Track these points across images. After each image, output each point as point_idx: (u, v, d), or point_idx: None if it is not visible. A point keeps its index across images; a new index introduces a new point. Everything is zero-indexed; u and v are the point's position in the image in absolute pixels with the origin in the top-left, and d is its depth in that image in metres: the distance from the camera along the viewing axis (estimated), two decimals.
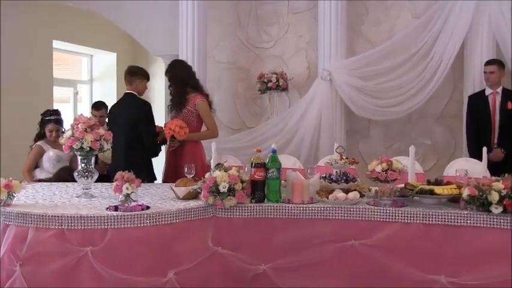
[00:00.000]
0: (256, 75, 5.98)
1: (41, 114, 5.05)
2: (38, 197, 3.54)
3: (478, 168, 4.07)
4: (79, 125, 3.46)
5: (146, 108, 4.39)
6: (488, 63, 5.19)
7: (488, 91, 5.19)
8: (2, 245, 3.09)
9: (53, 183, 4.26)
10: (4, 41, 6.37)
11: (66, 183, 4.16)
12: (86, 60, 8.59)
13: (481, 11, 5.36)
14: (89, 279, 2.95)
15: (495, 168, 4.13)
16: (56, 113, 5.10)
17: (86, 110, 8.08)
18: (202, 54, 5.88)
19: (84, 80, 8.57)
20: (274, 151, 3.37)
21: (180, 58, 5.71)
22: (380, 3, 5.94)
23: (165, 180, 4.47)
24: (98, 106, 5.41)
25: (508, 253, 2.98)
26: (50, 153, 4.88)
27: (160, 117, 5.02)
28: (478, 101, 5.23)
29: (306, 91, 5.84)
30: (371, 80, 5.67)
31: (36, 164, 4.92)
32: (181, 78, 4.65)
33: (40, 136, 5.01)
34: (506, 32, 5.27)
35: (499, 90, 5.16)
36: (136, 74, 4.56)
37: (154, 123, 4.49)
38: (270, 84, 5.77)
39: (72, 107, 8.14)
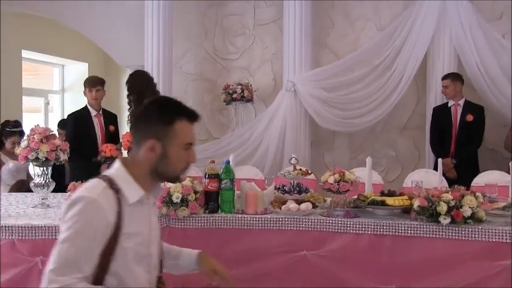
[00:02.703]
0: (223, 87, 6.01)
1: (1, 125, 4.99)
2: None
3: (437, 179, 4.13)
4: (35, 136, 3.45)
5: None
6: (443, 77, 5.31)
7: (450, 103, 5.29)
8: None
9: (13, 193, 4.23)
10: None
11: (26, 193, 4.14)
12: (58, 70, 8.56)
13: (443, 25, 5.46)
14: None
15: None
16: (19, 124, 5.08)
17: (56, 120, 8.07)
18: (168, 65, 5.90)
19: (56, 89, 8.53)
20: (228, 162, 3.39)
21: (145, 69, 5.73)
22: (346, 16, 6.03)
23: None
24: (63, 125, 5.40)
25: (456, 263, 3.05)
26: (10, 165, 4.85)
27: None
28: (441, 113, 5.33)
29: (272, 102, 5.88)
30: (335, 91, 5.74)
31: None
32: (140, 89, 4.65)
33: None
34: (467, 46, 5.39)
35: (461, 102, 5.26)
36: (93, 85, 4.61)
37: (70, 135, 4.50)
38: (234, 95, 5.81)
39: (44, 116, 8.08)
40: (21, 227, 2.96)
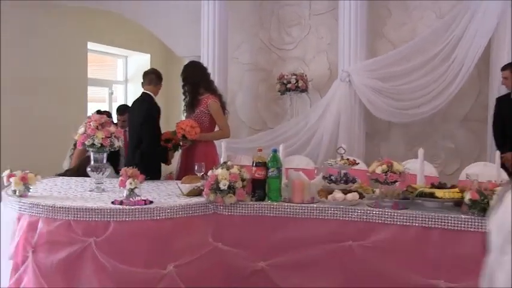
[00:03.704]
0: (277, 77, 6.03)
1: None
2: (55, 190, 3.72)
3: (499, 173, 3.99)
4: (91, 123, 3.61)
5: (154, 112, 4.42)
6: (502, 68, 5.09)
7: None
8: (17, 232, 3.29)
9: (73, 177, 4.42)
10: (41, 44, 6.64)
11: (85, 177, 4.32)
12: (121, 61, 8.84)
13: (508, 11, 5.23)
14: (92, 268, 3.09)
15: None
16: (110, 115, 5.19)
17: None
18: (224, 56, 5.97)
19: (120, 80, 8.82)
20: (275, 151, 3.43)
21: (201, 59, 5.84)
22: (403, 4, 5.89)
23: (178, 179, 4.59)
24: (121, 111, 5.53)
25: None
26: None
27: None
28: (504, 104, 5.13)
29: (327, 92, 5.85)
30: (390, 81, 5.62)
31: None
32: (195, 79, 4.75)
33: None
34: None
35: None
36: (161, 79, 4.65)
37: (156, 129, 4.47)
38: (289, 86, 5.82)
39: (108, 106, 8.37)
40: (77, 208, 3.12)
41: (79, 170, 4.47)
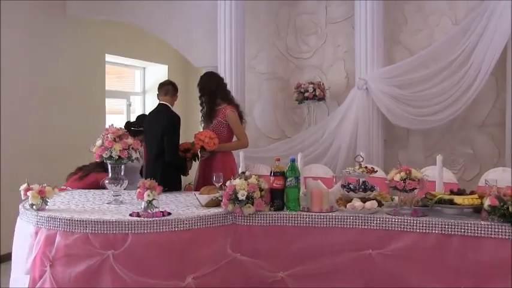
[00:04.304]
0: (295, 86, 6.04)
1: (125, 126, 5.00)
2: (72, 203, 3.74)
3: None
4: (108, 135, 3.64)
5: (175, 122, 4.45)
6: None
7: None
8: (35, 246, 3.31)
9: (91, 190, 4.45)
10: (60, 56, 6.74)
11: (103, 190, 4.35)
12: (139, 72, 8.92)
13: None
14: (110, 281, 3.10)
15: None
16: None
17: None
18: (241, 65, 5.98)
19: (137, 91, 8.89)
20: (293, 160, 3.43)
21: (218, 69, 5.86)
22: (419, 11, 5.86)
23: (196, 189, 4.60)
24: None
25: None
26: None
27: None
28: None
29: (345, 100, 5.83)
30: (408, 88, 5.59)
31: None
32: (211, 89, 4.77)
33: None
34: None
35: None
36: (177, 90, 4.66)
37: (178, 138, 4.49)
38: (306, 94, 5.81)
39: (126, 118, 8.43)
40: (94, 221, 3.14)
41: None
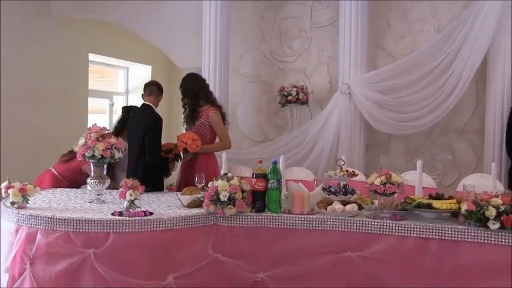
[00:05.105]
0: (278, 89, 6.07)
1: (127, 110, 4.97)
2: (54, 201, 3.73)
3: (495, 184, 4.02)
4: (91, 134, 3.65)
5: (157, 123, 4.46)
6: None
7: None
8: (15, 244, 3.30)
9: (73, 189, 4.44)
10: (42, 54, 6.70)
11: (85, 189, 4.34)
12: (123, 72, 8.89)
13: (504, 25, 5.27)
14: (91, 280, 3.11)
15: None
16: None
17: None
18: (225, 68, 6.00)
19: (121, 91, 8.86)
20: (275, 162, 3.46)
21: (202, 71, 5.88)
22: (403, 17, 5.93)
23: (178, 190, 4.61)
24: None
25: (506, 270, 2.97)
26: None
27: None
28: None
29: (327, 104, 5.88)
30: (390, 94, 5.64)
31: None
32: (194, 91, 4.78)
33: (121, 131, 4.90)
34: None
35: None
36: (161, 91, 4.67)
37: (159, 139, 4.51)
38: (290, 98, 5.84)
39: (108, 117, 8.40)
40: (76, 219, 3.14)
41: None
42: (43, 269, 3.16)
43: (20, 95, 6.40)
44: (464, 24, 5.45)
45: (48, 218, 3.18)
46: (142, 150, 4.36)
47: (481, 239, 3.02)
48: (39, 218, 3.20)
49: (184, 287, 3.21)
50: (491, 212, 2.97)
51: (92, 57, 7.60)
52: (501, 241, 2.98)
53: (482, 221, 3.01)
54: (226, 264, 3.34)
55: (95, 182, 3.75)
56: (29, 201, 3.46)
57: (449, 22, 5.70)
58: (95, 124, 3.77)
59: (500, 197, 3.04)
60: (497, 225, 2.97)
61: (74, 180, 4.66)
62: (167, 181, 4.81)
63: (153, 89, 4.61)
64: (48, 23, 6.77)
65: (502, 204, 2.99)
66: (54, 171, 4.72)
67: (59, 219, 3.16)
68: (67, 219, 3.15)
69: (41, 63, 6.69)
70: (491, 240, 3.00)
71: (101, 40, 7.60)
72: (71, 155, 4.61)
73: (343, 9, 5.73)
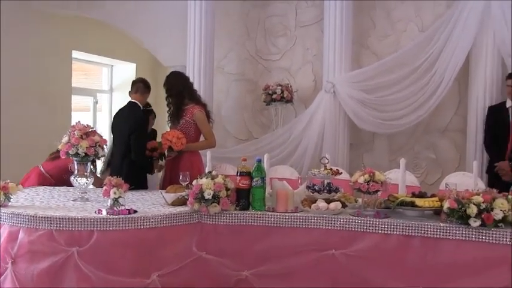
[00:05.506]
0: (263, 87, 6.08)
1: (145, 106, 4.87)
2: (37, 200, 3.71)
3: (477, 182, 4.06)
4: (75, 132, 3.62)
5: (142, 121, 4.45)
6: (510, 76, 5.10)
7: (508, 103, 5.14)
8: None
9: (56, 187, 4.41)
10: (25, 51, 6.62)
11: (69, 187, 4.30)
12: (107, 70, 8.83)
13: (486, 25, 5.35)
14: (75, 278, 3.09)
15: None
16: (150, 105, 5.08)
17: (105, 119, 8.34)
18: (210, 65, 5.99)
19: (105, 89, 8.80)
20: (259, 160, 3.46)
21: (187, 69, 5.86)
22: (387, 17, 5.98)
23: (162, 188, 4.59)
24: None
25: (486, 266, 3.01)
26: None
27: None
28: (497, 113, 5.20)
29: (312, 103, 5.90)
30: (374, 92, 5.69)
31: None
32: (179, 89, 4.77)
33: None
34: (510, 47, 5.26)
35: None
36: (148, 88, 4.65)
37: (144, 138, 4.51)
38: (274, 96, 5.85)
39: (92, 115, 8.34)
40: (59, 218, 3.11)
41: None
42: (25, 267, 3.13)
43: (1, 92, 6.31)
44: (447, 24, 5.52)
45: (30, 216, 3.15)
46: (127, 149, 4.34)
47: (462, 237, 3.06)
48: (22, 216, 3.17)
49: (169, 285, 3.20)
50: (473, 210, 3.00)
51: (75, 54, 7.54)
52: (482, 238, 3.02)
53: (463, 218, 3.04)
54: (211, 262, 3.34)
55: (79, 180, 3.72)
56: (11, 200, 3.42)
57: (432, 22, 5.76)
58: (79, 122, 3.73)
59: (481, 194, 3.08)
60: (478, 223, 3.01)
61: (61, 178, 4.63)
62: (150, 179, 4.78)
63: (139, 86, 4.59)
64: (30, 20, 6.69)
65: (483, 202, 3.02)
66: (42, 169, 4.68)
67: (41, 217, 3.13)
68: (50, 218, 3.12)
69: (23, 61, 6.61)
70: (472, 237, 3.04)
71: (85, 37, 7.53)
72: (59, 153, 4.58)
73: (328, 8, 5.76)
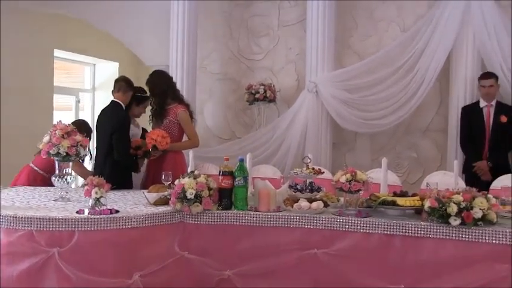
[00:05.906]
0: (246, 87, 6.08)
1: (136, 91, 4.81)
2: (17, 200, 3.66)
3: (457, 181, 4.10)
4: (56, 131, 3.59)
5: (125, 121, 4.43)
6: (486, 77, 5.18)
7: (482, 103, 5.21)
8: None
9: (37, 187, 4.37)
10: (5, 49, 6.54)
11: (49, 187, 4.26)
12: (89, 69, 8.76)
13: (466, 25, 5.41)
14: (56, 279, 3.06)
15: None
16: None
17: (87, 118, 8.27)
18: (192, 65, 5.98)
19: (87, 88, 8.73)
20: (241, 160, 3.47)
21: (170, 68, 5.85)
22: (369, 17, 6.02)
23: (144, 188, 4.57)
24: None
25: (466, 264, 3.05)
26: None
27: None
28: (472, 113, 5.26)
29: (295, 103, 5.92)
30: (357, 92, 5.74)
31: None
32: (162, 89, 4.75)
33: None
34: (490, 48, 5.32)
35: (493, 103, 5.18)
36: (131, 87, 4.62)
37: (127, 137, 4.47)
38: (257, 96, 5.86)
39: (74, 115, 8.27)
40: (39, 218, 3.08)
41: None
42: (5, 268, 3.09)
43: None
44: (428, 24, 5.57)
45: (10, 216, 3.11)
46: (110, 148, 4.32)
47: (442, 235, 3.09)
48: (1, 217, 3.13)
49: (151, 285, 3.19)
50: (453, 209, 3.03)
51: (57, 53, 7.46)
52: (462, 237, 3.05)
53: (444, 217, 3.07)
54: (193, 262, 3.33)
55: (60, 179, 3.68)
56: None
57: (414, 22, 5.81)
58: (60, 121, 3.70)
59: (461, 193, 3.11)
60: (458, 222, 3.04)
61: (54, 170, 4.59)
62: (136, 177, 4.75)
63: (121, 85, 4.56)
64: (12, 18, 6.61)
65: (463, 201, 3.05)
66: (32, 166, 4.62)
67: (21, 217, 3.09)
68: (30, 218, 3.09)
69: (4, 59, 6.53)
70: (452, 236, 3.07)
71: (67, 36, 7.45)
72: None
73: (311, 8, 5.79)
